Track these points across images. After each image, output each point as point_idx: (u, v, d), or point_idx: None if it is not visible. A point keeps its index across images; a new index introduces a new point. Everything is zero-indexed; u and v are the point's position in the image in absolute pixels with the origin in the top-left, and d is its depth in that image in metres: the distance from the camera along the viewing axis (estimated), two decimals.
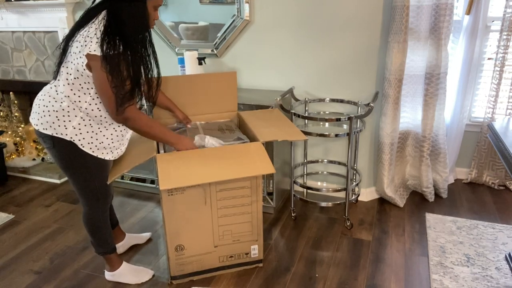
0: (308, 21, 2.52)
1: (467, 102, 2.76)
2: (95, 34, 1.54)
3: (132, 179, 2.97)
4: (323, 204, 2.51)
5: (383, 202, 2.73)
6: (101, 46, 1.53)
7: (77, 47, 1.59)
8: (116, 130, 1.80)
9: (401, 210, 2.62)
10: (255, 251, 2.08)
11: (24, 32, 3.28)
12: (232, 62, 2.81)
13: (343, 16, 2.43)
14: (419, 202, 2.71)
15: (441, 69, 2.45)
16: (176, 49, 2.91)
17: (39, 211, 2.76)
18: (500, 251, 2.16)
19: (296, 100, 2.65)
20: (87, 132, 1.71)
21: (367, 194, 2.77)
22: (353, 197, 2.58)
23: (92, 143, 1.73)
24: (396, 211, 2.61)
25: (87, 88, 1.65)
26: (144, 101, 1.85)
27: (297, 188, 2.86)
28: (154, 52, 1.71)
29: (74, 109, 1.67)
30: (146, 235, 2.38)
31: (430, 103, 2.55)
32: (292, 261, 2.16)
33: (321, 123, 2.59)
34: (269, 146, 2.42)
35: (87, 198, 1.85)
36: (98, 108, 1.69)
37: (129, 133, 1.90)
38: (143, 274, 2.05)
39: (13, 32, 3.33)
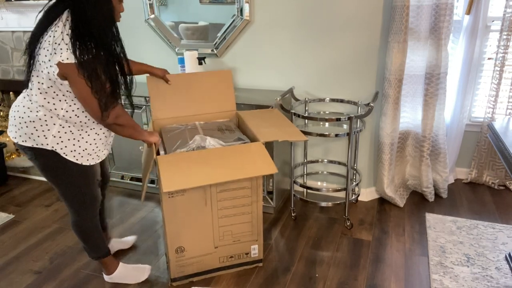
0: (308, 21, 2.52)
1: (467, 102, 2.76)
2: (63, 39, 1.46)
3: (132, 179, 2.97)
4: (323, 204, 2.51)
5: (383, 202, 2.73)
6: (74, 52, 1.45)
7: (45, 55, 1.49)
8: (98, 134, 1.74)
9: (401, 210, 2.62)
10: (255, 251, 2.08)
11: (24, 32, 3.28)
12: (232, 62, 2.81)
13: (343, 16, 2.43)
14: (419, 202, 2.71)
15: (441, 69, 2.45)
16: (176, 49, 2.91)
17: (39, 211, 2.76)
18: (500, 251, 2.16)
19: (296, 100, 2.65)
20: (69, 139, 1.65)
21: (367, 194, 2.77)
22: (353, 197, 2.58)
23: (75, 150, 1.67)
24: (396, 211, 2.61)
25: (63, 95, 1.58)
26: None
27: (297, 188, 2.86)
28: (122, 47, 1.64)
29: (51, 117, 1.60)
30: (131, 239, 2.32)
31: (430, 103, 2.55)
32: (292, 261, 2.16)
33: (321, 123, 2.59)
34: (269, 146, 2.42)
35: (75, 206, 1.80)
36: (76, 115, 1.63)
37: (113, 134, 1.87)
38: (141, 272, 2.05)
39: (13, 32, 3.33)
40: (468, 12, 2.54)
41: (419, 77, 2.50)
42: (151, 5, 2.84)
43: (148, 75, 2.13)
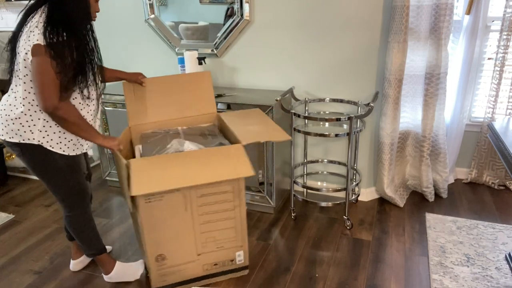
0: (308, 21, 2.52)
1: (467, 102, 2.76)
2: (37, 26, 1.52)
3: None
4: (323, 204, 2.51)
5: (383, 202, 2.73)
6: (44, 34, 1.50)
7: (22, 45, 1.56)
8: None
9: (401, 210, 2.62)
10: (241, 257, 2.01)
11: None
12: (232, 62, 2.81)
13: (343, 16, 2.43)
14: (419, 202, 2.71)
15: (441, 69, 2.45)
16: (176, 49, 2.91)
17: (39, 211, 2.76)
18: (500, 251, 2.16)
19: (296, 100, 2.65)
20: (54, 132, 1.69)
21: (367, 194, 2.77)
22: (353, 197, 2.58)
23: (61, 142, 1.71)
24: (396, 211, 2.61)
25: None
26: (100, 103, 1.86)
27: (297, 188, 2.86)
28: (95, 41, 1.69)
29: (35, 111, 1.64)
30: (108, 248, 2.29)
31: (430, 103, 2.55)
32: (292, 261, 2.16)
33: (321, 123, 2.59)
34: (269, 146, 2.42)
35: (66, 201, 1.83)
36: None
37: (97, 123, 1.87)
38: (137, 268, 2.07)
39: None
40: (468, 12, 2.54)
41: (419, 77, 2.50)
42: (151, 5, 2.84)
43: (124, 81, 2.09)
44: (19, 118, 1.64)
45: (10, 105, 1.66)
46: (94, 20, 1.68)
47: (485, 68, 2.75)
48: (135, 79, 2.07)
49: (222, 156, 1.79)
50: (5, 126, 1.67)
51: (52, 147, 1.69)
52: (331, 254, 2.20)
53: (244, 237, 1.97)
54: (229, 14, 2.68)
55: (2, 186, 3.17)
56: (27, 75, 1.59)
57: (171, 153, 1.82)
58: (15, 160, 3.39)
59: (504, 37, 2.53)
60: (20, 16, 1.62)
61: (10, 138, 1.67)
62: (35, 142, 1.67)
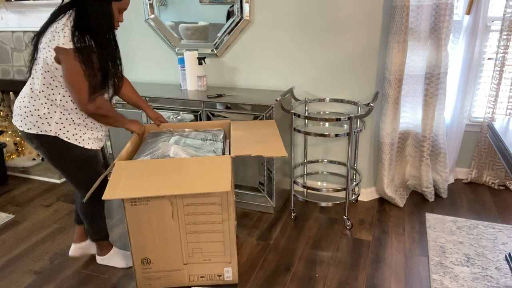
0: (308, 21, 2.52)
1: (467, 102, 2.76)
2: (63, 29, 1.60)
3: None
4: (323, 204, 2.51)
5: (383, 202, 2.73)
6: (72, 39, 1.59)
7: (45, 42, 1.64)
8: (94, 123, 1.86)
9: (401, 210, 2.62)
10: (229, 273, 1.96)
11: (24, 32, 3.28)
12: (232, 62, 2.81)
13: (343, 16, 2.43)
14: (419, 202, 2.71)
15: (441, 69, 2.45)
16: (176, 49, 2.91)
17: (39, 211, 2.76)
18: (500, 251, 2.16)
19: (296, 100, 2.65)
20: (70, 125, 1.77)
21: (367, 194, 2.77)
22: (353, 197, 2.58)
23: (76, 134, 1.79)
24: (396, 211, 2.61)
25: (58, 81, 1.70)
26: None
27: (297, 188, 2.86)
28: (117, 50, 1.80)
29: (51, 105, 1.73)
30: None
31: (430, 103, 2.55)
32: (292, 261, 2.16)
33: (321, 123, 2.59)
34: None
35: (83, 190, 1.91)
36: (72, 101, 1.75)
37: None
38: (128, 259, 2.15)
39: (13, 32, 3.33)
40: (468, 12, 2.54)
41: (419, 77, 2.50)
42: (151, 5, 2.84)
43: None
44: (38, 110, 1.73)
45: (29, 97, 1.74)
46: (116, 29, 1.77)
47: (485, 68, 2.75)
48: (154, 118, 2.17)
49: (205, 167, 1.77)
50: (24, 118, 1.75)
51: (69, 139, 1.77)
52: (331, 254, 2.20)
53: (234, 253, 1.92)
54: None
55: (2, 186, 3.17)
56: (47, 71, 1.68)
57: (156, 159, 1.83)
58: (15, 160, 3.39)
59: (504, 37, 2.53)
60: (49, 15, 1.71)
61: (28, 129, 1.75)
62: (52, 134, 1.74)
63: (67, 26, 1.61)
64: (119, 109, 2.78)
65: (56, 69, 1.67)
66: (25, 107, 1.75)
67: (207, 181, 1.69)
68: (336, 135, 2.32)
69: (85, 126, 1.82)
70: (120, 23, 1.77)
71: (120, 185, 1.65)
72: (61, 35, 1.59)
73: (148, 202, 1.77)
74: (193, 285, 1.96)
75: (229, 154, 1.93)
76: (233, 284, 2.00)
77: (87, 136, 1.83)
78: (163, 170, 1.75)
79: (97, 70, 1.68)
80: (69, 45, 1.59)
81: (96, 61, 1.66)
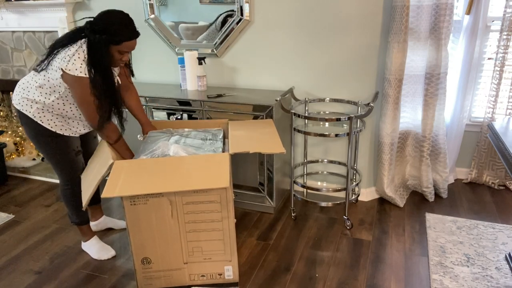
0: (308, 21, 2.52)
1: (467, 102, 2.76)
2: (74, 55, 1.79)
3: None
4: (323, 204, 2.51)
5: (383, 202, 2.73)
6: (89, 71, 1.80)
7: (57, 61, 1.82)
8: (74, 121, 2.02)
9: (401, 210, 2.62)
10: (229, 272, 1.96)
11: (24, 32, 3.28)
12: (232, 62, 2.81)
13: (343, 16, 2.43)
14: (419, 202, 2.71)
15: (441, 69, 2.45)
16: (176, 49, 2.91)
17: (39, 211, 2.76)
18: (500, 251, 2.16)
19: (296, 100, 2.65)
20: (49, 113, 1.95)
21: (367, 194, 2.77)
22: (353, 197, 2.58)
23: (51, 120, 1.95)
24: (396, 211, 2.61)
25: (58, 92, 1.90)
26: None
27: (297, 188, 2.86)
28: (112, 86, 1.92)
29: (40, 99, 1.92)
30: (123, 223, 2.50)
31: (430, 103, 2.55)
32: (292, 261, 2.16)
33: (321, 123, 2.59)
34: None
35: (57, 172, 2.07)
36: (60, 108, 1.94)
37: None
38: (105, 252, 2.23)
39: (13, 32, 3.33)
40: (468, 12, 2.54)
41: (419, 77, 2.50)
42: (151, 5, 2.84)
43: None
44: (29, 92, 1.93)
45: (28, 81, 1.96)
46: (117, 66, 1.97)
47: (485, 68, 2.75)
48: (146, 130, 2.24)
49: (204, 164, 1.78)
50: (17, 94, 1.97)
51: (42, 122, 1.94)
52: (331, 254, 2.20)
53: (234, 252, 1.91)
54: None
55: (2, 186, 3.17)
56: (53, 83, 1.87)
57: (155, 158, 1.83)
58: (15, 160, 3.39)
59: (504, 37, 2.53)
60: (67, 32, 1.93)
61: (16, 104, 1.96)
62: (31, 116, 1.93)
63: (79, 55, 1.79)
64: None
65: (60, 84, 1.86)
66: (22, 83, 1.97)
67: (205, 178, 1.70)
68: (336, 135, 2.32)
69: (63, 118, 1.98)
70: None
71: (119, 183, 1.66)
72: (77, 63, 1.78)
73: (147, 201, 1.76)
74: (194, 284, 1.96)
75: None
76: (233, 282, 2.00)
77: (61, 124, 1.98)
78: (162, 168, 1.75)
79: (105, 101, 1.89)
80: (86, 74, 1.79)
81: (102, 92, 1.86)
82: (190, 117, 2.61)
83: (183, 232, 1.85)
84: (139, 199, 1.75)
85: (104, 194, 1.62)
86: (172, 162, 1.80)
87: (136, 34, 1.87)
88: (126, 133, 2.82)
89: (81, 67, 1.79)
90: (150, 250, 1.86)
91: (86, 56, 1.80)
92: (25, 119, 1.96)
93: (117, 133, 2.03)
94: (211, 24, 2.75)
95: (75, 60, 1.79)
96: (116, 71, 2.04)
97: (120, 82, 2.12)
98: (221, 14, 2.70)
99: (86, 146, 2.24)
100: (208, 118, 2.56)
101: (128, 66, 2.15)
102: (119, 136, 2.04)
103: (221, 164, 1.77)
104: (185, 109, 2.60)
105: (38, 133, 1.97)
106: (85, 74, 1.80)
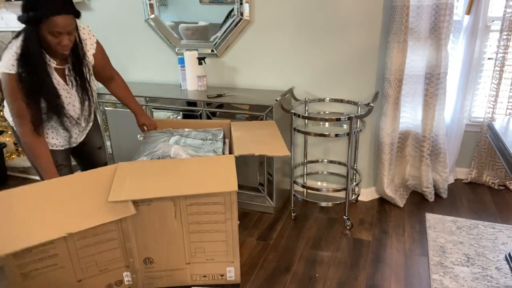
0: (308, 21, 2.52)
1: (467, 102, 2.76)
2: (6, 49, 1.64)
3: None
4: (323, 204, 2.51)
5: (383, 202, 2.73)
6: (7, 62, 1.60)
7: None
8: (48, 131, 1.88)
9: (401, 210, 2.62)
10: (231, 273, 1.95)
11: None
12: (232, 62, 2.81)
13: (343, 16, 2.43)
14: (419, 202, 2.71)
15: (441, 69, 2.45)
16: (176, 49, 2.91)
17: None
18: (500, 251, 2.16)
19: (296, 100, 2.65)
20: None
21: (367, 194, 2.77)
22: (353, 197, 2.58)
23: None
24: (396, 211, 2.61)
25: None
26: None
27: (297, 188, 2.86)
28: (49, 77, 1.69)
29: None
30: None
31: (430, 103, 2.55)
32: (292, 261, 2.16)
33: (321, 123, 2.59)
34: None
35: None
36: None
37: (76, 131, 1.94)
38: None
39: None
40: (468, 12, 2.54)
41: (419, 77, 2.50)
42: (151, 5, 2.84)
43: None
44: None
45: None
46: (61, 52, 1.66)
47: (485, 68, 2.75)
48: (148, 123, 2.15)
49: (209, 167, 1.76)
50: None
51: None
52: (331, 254, 2.20)
53: (236, 253, 1.91)
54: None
55: (2, 186, 3.17)
56: None
57: (160, 160, 1.82)
58: (15, 160, 3.39)
59: (504, 37, 2.53)
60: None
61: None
62: (11, 123, 1.89)
63: (10, 48, 1.62)
64: (110, 109, 2.78)
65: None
66: None
67: (213, 181, 1.69)
68: (336, 135, 2.32)
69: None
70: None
71: (126, 186, 1.65)
72: (2, 58, 1.61)
73: (151, 202, 1.75)
74: (195, 284, 1.96)
75: (229, 153, 1.93)
76: (235, 284, 2.00)
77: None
78: (168, 171, 1.74)
79: (35, 100, 1.66)
80: (5, 68, 1.60)
81: (23, 90, 1.62)
82: (187, 117, 2.61)
83: (186, 232, 1.85)
84: (143, 200, 1.74)
85: (110, 198, 1.60)
86: (177, 164, 1.79)
87: (66, 9, 1.56)
88: (126, 133, 2.82)
89: (8, 61, 1.59)
90: (152, 250, 1.85)
91: (20, 48, 1.60)
92: (13, 130, 1.89)
93: (45, 150, 1.76)
94: (221, 25, 2.74)
95: (4, 55, 1.61)
96: (88, 66, 1.83)
97: (93, 78, 1.92)
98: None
99: (87, 158, 2.10)
100: (208, 118, 2.56)
101: (77, 53, 1.76)
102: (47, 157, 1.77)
103: (227, 166, 1.76)
104: (185, 109, 2.61)
105: (19, 141, 1.86)
106: (9, 70, 1.59)
